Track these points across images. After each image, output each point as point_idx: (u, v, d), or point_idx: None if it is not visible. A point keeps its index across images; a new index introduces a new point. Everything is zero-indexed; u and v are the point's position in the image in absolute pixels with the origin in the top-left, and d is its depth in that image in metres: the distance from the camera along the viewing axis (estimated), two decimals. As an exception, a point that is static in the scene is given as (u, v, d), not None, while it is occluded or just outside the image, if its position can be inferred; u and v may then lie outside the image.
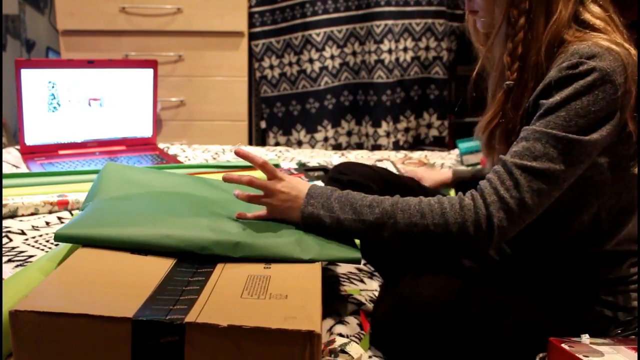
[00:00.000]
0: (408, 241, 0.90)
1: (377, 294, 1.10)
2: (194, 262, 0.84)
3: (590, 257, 0.96)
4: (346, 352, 0.86)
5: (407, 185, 1.24)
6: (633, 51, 0.87)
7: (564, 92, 0.84)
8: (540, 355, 0.93)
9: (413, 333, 0.89)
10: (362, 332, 0.96)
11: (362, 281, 1.14)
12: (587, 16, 0.90)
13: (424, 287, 0.90)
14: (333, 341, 0.89)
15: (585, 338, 0.87)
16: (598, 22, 0.89)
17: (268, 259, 0.87)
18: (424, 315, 0.88)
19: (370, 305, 1.04)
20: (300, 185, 0.96)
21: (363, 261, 1.22)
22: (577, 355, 0.81)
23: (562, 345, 0.84)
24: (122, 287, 0.74)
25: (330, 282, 1.11)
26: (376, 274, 1.19)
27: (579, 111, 0.83)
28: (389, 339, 0.92)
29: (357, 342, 0.92)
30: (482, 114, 1.02)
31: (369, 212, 0.91)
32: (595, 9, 0.91)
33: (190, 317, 0.67)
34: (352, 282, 1.13)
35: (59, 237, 0.86)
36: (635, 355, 0.83)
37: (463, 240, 0.87)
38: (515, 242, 0.95)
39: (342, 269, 1.19)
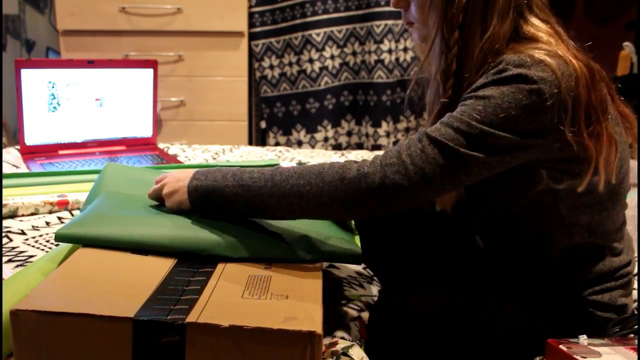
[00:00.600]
0: (296, 205, 0.84)
1: (376, 299, 1.10)
2: (195, 261, 0.84)
3: (563, 253, 0.94)
4: (348, 355, 0.86)
5: None
6: (575, 63, 0.82)
7: (486, 89, 0.80)
8: (538, 358, 0.93)
9: (405, 347, 0.89)
10: (362, 340, 0.96)
11: (361, 286, 1.14)
12: (528, 29, 0.86)
13: (414, 303, 0.90)
14: (336, 343, 0.88)
15: (583, 339, 0.87)
16: (540, 35, 0.85)
17: (268, 260, 0.87)
18: (414, 330, 0.88)
19: (368, 312, 1.04)
20: (187, 172, 0.94)
21: (362, 265, 1.22)
22: (574, 356, 0.81)
23: (560, 346, 0.84)
24: (123, 286, 0.74)
25: (331, 286, 1.11)
26: (375, 279, 1.19)
27: (497, 109, 0.79)
28: (381, 352, 0.91)
29: (359, 347, 0.92)
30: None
31: (248, 177, 0.86)
32: (537, 22, 0.87)
33: (191, 317, 0.67)
34: (352, 287, 1.13)
35: (60, 237, 0.86)
36: (634, 355, 0.83)
37: (356, 193, 0.81)
38: (488, 237, 0.96)
39: (342, 273, 1.19)
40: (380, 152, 0.87)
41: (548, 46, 0.83)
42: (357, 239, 1.07)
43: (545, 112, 0.79)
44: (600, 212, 0.91)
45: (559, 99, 0.79)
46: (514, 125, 0.79)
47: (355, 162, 0.84)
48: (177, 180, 0.93)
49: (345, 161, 0.84)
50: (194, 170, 0.93)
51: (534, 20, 0.87)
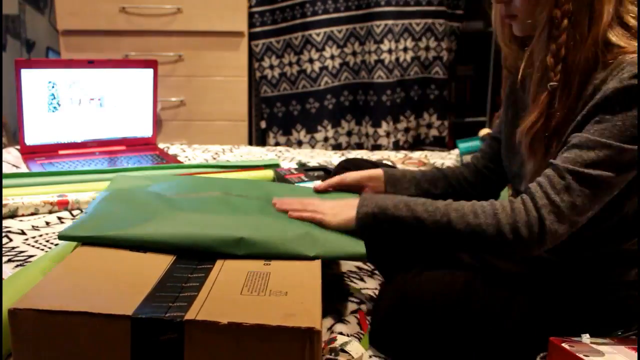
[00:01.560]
0: (460, 241, 0.90)
1: (377, 292, 1.10)
2: (194, 258, 0.84)
3: (609, 256, 0.95)
4: (346, 352, 0.86)
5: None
6: None
7: (623, 102, 0.84)
8: (541, 355, 0.92)
9: (414, 329, 0.89)
10: (362, 331, 0.96)
11: (362, 280, 1.14)
12: (628, 19, 0.89)
13: (426, 284, 0.91)
14: (334, 339, 0.88)
15: (586, 338, 0.87)
16: (633, 22, 0.89)
17: (272, 256, 0.86)
18: (425, 311, 0.89)
19: (370, 304, 1.04)
20: (350, 199, 1.00)
21: (364, 260, 1.22)
22: (577, 354, 0.81)
23: (563, 344, 0.84)
24: (121, 284, 0.74)
25: (331, 281, 1.11)
26: (376, 272, 1.19)
27: (634, 121, 0.83)
28: (390, 336, 0.92)
29: (358, 341, 0.92)
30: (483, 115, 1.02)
31: (422, 209, 0.92)
32: (632, 7, 0.90)
33: (189, 315, 0.67)
34: (352, 281, 1.13)
35: (64, 238, 0.86)
36: (636, 355, 0.83)
37: (515, 242, 0.87)
38: None
39: (343, 267, 1.19)
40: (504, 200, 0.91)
41: None
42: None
43: None
44: None
45: None
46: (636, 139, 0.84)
47: (512, 210, 0.88)
48: (331, 207, 1.00)
49: (511, 209, 0.88)
50: (350, 202, 0.98)
51: (630, 7, 0.90)
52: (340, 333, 0.92)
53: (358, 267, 1.19)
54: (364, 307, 1.03)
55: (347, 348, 0.86)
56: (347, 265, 1.19)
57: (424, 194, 1.16)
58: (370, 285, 1.13)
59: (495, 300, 0.92)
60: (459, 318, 0.89)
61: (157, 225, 0.88)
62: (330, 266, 1.18)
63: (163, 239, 0.85)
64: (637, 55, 0.85)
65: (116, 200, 1.00)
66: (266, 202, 1.06)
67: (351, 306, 1.02)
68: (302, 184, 1.57)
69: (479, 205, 0.90)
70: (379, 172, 1.18)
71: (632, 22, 0.89)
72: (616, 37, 0.88)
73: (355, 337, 0.93)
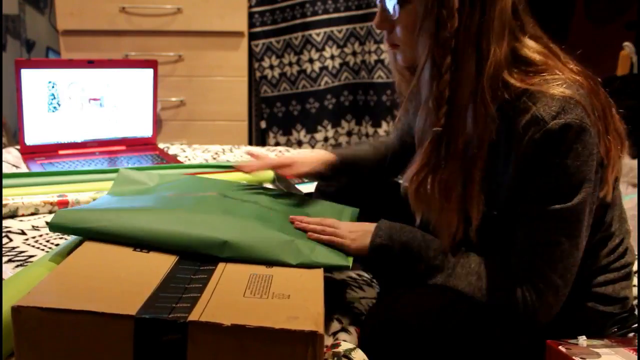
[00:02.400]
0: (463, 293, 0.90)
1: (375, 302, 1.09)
2: (197, 259, 0.84)
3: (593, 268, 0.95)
4: (350, 358, 0.86)
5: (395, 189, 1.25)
6: (581, 79, 0.83)
7: (546, 161, 0.81)
8: None
9: (396, 356, 0.87)
10: None
11: (361, 288, 1.14)
12: (525, 51, 0.84)
13: (403, 310, 0.87)
14: (338, 345, 0.88)
15: (582, 340, 0.87)
16: (537, 57, 0.84)
17: (255, 261, 0.85)
18: (405, 339, 0.86)
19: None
20: (367, 225, 0.98)
21: (362, 267, 1.22)
22: (574, 357, 0.81)
23: (560, 347, 0.84)
24: (125, 284, 0.74)
25: (331, 288, 1.11)
26: (375, 281, 1.19)
27: (567, 171, 0.81)
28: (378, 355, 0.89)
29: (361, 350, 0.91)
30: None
31: (432, 255, 0.91)
32: (531, 43, 0.85)
33: (193, 316, 0.67)
34: (351, 289, 1.13)
35: (53, 227, 0.88)
36: (634, 356, 0.83)
37: (517, 317, 0.87)
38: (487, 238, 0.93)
39: (342, 274, 1.18)
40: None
41: (550, 72, 0.82)
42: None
43: (594, 140, 0.81)
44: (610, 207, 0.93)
45: (593, 121, 0.81)
46: (586, 176, 0.81)
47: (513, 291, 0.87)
48: (350, 231, 0.97)
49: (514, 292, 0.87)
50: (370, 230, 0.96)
51: (528, 42, 0.85)
52: (345, 340, 0.92)
53: (358, 275, 1.19)
54: (363, 318, 1.02)
55: (351, 355, 0.86)
56: (345, 274, 1.19)
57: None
58: (369, 295, 1.12)
59: (477, 319, 0.89)
60: (443, 337, 0.87)
61: (142, 220, 0.88)
62: (328, 275, 1.17)
63: (146, 235, 0.85)
64: (541, 101, 0.80)
65: (114, 198, 1.01)
66: (262, 207, 1.06)
67: (352, 316, 1.01)
68: (302, 185, 1.57)
69: (482, 267, 0.89)
70: (330, 156, 1.18)
71: (532, 55, 0.84)
72: (513, 77, 0.82)
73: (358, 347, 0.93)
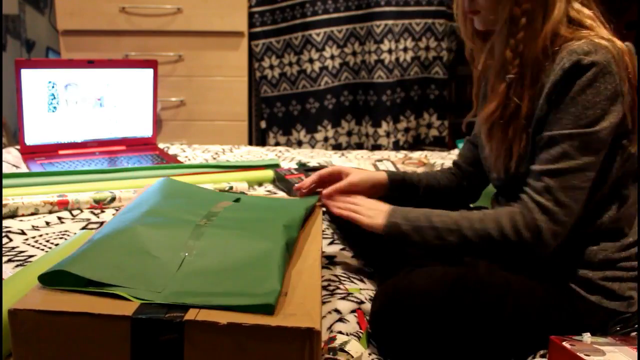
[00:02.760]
0: (472, 246, 0.98)
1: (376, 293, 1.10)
2: None
3: (590, 234, 0.99)
4: (346, 351, 0.86)
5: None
6: (618, 43, 0.94)
7: (569, 90, 0.91)
8: (541, 352, 0.93)
9: (410, 325, 0.90)
10: (361, 330, 0.96)
11: (362, 280, 1.14)
12: (574, 14, 0.97)
13: (419, 279, 0.92)
14: (334, 339, 0.88)
15: (587, 337, 0.87)
16: (585, 20, 0.96)
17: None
18: (419, 307, 0.89)
19: (369, 304, 1.04)
20: (383, 205, 1.08)
21: (362, 262, 1.23)
22: (578, 354, 0.81)
23: (564, 343, 0.84)
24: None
25: (330, 281, 1.11)
26: (376, 274, 1.19)
27: (586, 104, 0.90)
28: (386, 333, 0.92)
29: (357, 341, 0.92)
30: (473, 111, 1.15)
31: (438, 219, 1.00)
32: (581, 7, 0.98)
33: (189, 315, 0.67)
34: (352, 281, 1.13)
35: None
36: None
37: (520, 243, 0.94)
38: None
39: (342, 268, 1.19)
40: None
41: (594, 31, 0.94)
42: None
43: (617, 88, 0.91)
44: (628, 190, 1.00)
45: (620, 75, 0.91)
46: (602, 113, 0.91)
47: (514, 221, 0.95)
48: (369, 209, 1.08)
49: (513, 220, 0.95)
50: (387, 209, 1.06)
51: (578, 6, 0.98)
52: (340, 332, 0.92)
53: (357, 269, 1.20)
54: (363, 306, 1.03)
55: (347, 348, 0.86)
56: (346, 267, 1.19)
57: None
58: (370, 286, 1.13)
59: (489, 292, 0.93)
60: (452, 312, 0.89)
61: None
62: (328, 267, 1.18)
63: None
64: (577, 42, 0.92)
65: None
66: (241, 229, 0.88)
67: (350, 306, 1.02)
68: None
69: (484, 212, 0.99)
70: (383, 177, 1.22)
71: (581, 18, 0.96)
72: (563, 29, 0.95)
73: (355, 336, 0.93)
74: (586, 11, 0.98)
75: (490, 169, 1.09)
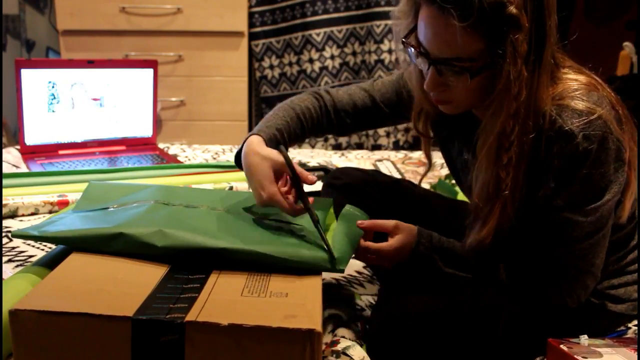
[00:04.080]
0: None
1: (376, 298, 1.10)
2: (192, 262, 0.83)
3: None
4: (348, 355, 0.86)
5: (405, 189, 1.24)
6: (606, 90, 0.87)
7: (575, 174, 0.84)
8: (539, 358, 0.93)
9: (404, 348, 0.89)
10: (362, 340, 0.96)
11: (361, 285, 1.14)
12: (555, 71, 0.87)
13: (412, 305, 0.90)
14: (337, 342, 0.88)
15: (584, 339, 0.87)
16: (570, 81, 0.87)
17: (190, 249, 0.81)
18: (413, 333, 0.88)
19: (369, 311, 1.04)
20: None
21: (363, 265, 1.22)
22: (575, 356, 0.81)
23: (561, 346, 0.84)
24: (122, 286, 0.74)
25: (331, 285, 1.11)
26: (375, 277, 1.19)
27: (596, 180, 0.84)
28: (382, 354, 0.91)
29: (360, 347, 0.92)
30: None
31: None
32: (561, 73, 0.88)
33: (190, 316, 0.67)
34: (352, 286, 1.13)
35: (15, 235, 0.88)
36: (635, 355, 0.83)
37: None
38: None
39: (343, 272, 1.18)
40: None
41: (585, 86, 0.85)
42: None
43: (621, 147, 0.85)
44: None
45: (621, 127, 0.85)
46: (611, 179, 0.85)
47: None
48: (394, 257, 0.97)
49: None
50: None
51: (560, 74, 0.88)
52: (343, 337, 0.92)
53: (358, 272, 1.19)
54: (364, 313, 1.02)
55: (350, 352, 0.86)
56: (346, 270, 1.19)
57: None
58: (370, 291, 1.12)
59: (483, 310, 0.91)
60: (447, 331, 0.89)
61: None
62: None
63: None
64: (566, 111, 0.83)
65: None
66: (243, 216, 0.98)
67: (352, 312, 1.01)
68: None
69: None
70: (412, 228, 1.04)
71: (563, 80, 0.87)
72: (548, 104, 0.84)
73: (358, 342, 0.93)
74: (563, 77, 0.87)
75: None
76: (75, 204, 1.02)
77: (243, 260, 0.82)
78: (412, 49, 0.88)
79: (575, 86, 0.86)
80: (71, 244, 0.86)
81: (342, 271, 0.85)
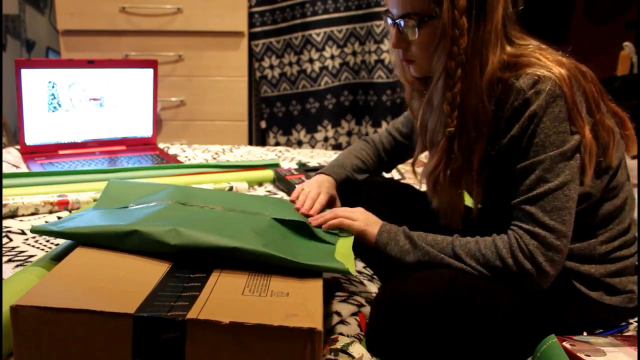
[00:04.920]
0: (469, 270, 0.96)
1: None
2: (194, 261, 0.83)
3: (586, 227, 1.00)
4: (348, 353, 0.86)
5: (404, 188, 1.27)
6: (565, 67, 0.93)
7: (528, 125, 0.92)
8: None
9: (406, 334, 0.89)
10: (362, 333, 0.96)
11: (362, 283, 1.14)
12: (512, 52, 0.97)
13: (413, 287, 0.91)
14: (336, 340, 0.88)
15: (588, 337, 0.87)
16: (522, 58, 0.95)
17: (203, 248, 0.82)
18: (414, 315, 0.88)
19: (369, 307, 1.04)
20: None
21: (363, 264, 1.22)
22: (578, 354, 0.81)
23: (564, 343, 0.84)
24: (123, 283, 0.74)
25: (331, 283, 1.11)
26: (376, 277, 1.19)
27: (546, 131, 0.91)
28: (382, 341, 0.91)
29: (359, 343, 0.92)
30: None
31: (432, 245, 0.98)
32: (513, 49, 0.97)
33: (191, 314, 0.67)
34: (352, 284, 1.13)
35: (35, 231, 0.91)
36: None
37: (520, 273, 0.92)
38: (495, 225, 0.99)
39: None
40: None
41: (533, 65, 0.93)
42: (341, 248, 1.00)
43: (569, 110, 0.92)
44: (618, 180, 1.01)
45: (572, 96, 0.92)
46: (564, 133, 0.91)
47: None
48: (365, 218, 1.06)
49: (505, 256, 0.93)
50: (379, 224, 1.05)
51: (510, 49, 0.97)
52: (341, 334, 0.92)
53: (358, 271, 1.19)
54: (364, 309, 1.02)
55: (349, 349, 0.86)
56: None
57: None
58: (370, 289, 1.12)
59: (484, 294, 0.92)
60: (448, 316, 0.89)
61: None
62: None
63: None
64: (521, 79, 0.92)
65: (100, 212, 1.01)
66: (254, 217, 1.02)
67: (351, 308, 1.02)
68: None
69: (476, 240, 0.96)
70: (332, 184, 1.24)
71: (512, 58, 0.95)
72: (505, 74, 0.94)
73: (356, 338, 0.93)
74: (521, 48, 0.97)
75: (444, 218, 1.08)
76: (96, 202, 1.06)
77: (252, 261, 0.83)
78: (387, 17, 1.02)
79: (538, 63, 0.94)
80: (87, 240, 0.88)
81: (352, 274, 0.90)
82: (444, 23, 0.92)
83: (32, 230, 0.91)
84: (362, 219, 1.05)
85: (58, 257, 0.93)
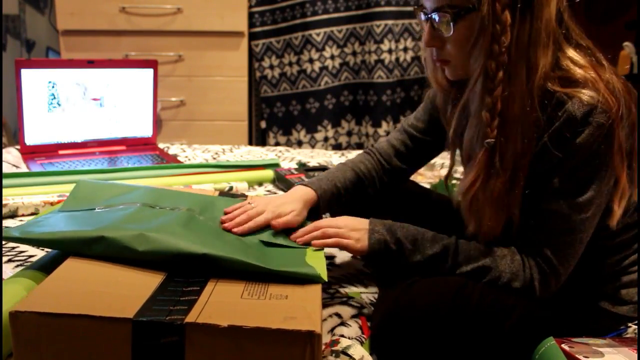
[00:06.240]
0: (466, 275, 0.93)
1: (376, 297, 1.10)
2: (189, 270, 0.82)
3: (599, 248, 0.96)
4: (348, 355, 0.86)
5: (407, 190, 1.26)
6: (617, 83, 0.85)
7: (568, 156, 0.84)
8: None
9: (412, 341, 0.88)
10: (364, 335, 0.96)
11: (362, 283, 1.14)
12: (567, 63, 0.86)
13: (418, 292, 0.90)
14: (336, 342, 0.88)
15: (586, 339, 0.87)
16: (578, 72, 0.85)
17: (171, 254, 0.80)
18: (420, 324, 0.88)
19: (370, 309, 1.04)
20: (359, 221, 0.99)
21: (362, 263, 1.23)
22: (577, 356, 0.81)
23: (562, 345, 0.84)
24: (122, 288, 0.74)
25: (331, 284, 1.11)
26: (375, 277, 1.19)
27: (583, 173, 0.85)
28: (388, 348, 0.91)
29: (360, 345, 0.92)
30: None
31: (429, 246, 0.94)
32: (574, 54, 0.87)
33: (190, 318, 0.67)
34: (352, 285, 1.13)
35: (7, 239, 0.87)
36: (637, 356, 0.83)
37: (518, 289, 0.91)
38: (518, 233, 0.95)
39: (342, 270, 1.19)
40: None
41: (591, 83, 0.84)
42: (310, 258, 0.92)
43: (613, 154, 0.84)
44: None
45: (622, 120, 0.84)
46: (601, 171, 0.85)
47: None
48: (352, 228, 0.97)
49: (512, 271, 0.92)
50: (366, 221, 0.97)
51: (571, 53, 0.87)
52: (342, 336, 0.92)
53: (358, 271, 1.20)
54: (365, 311, 1.03)
55: (350, 351, 0.86)
56: (347, 269, 1.19)
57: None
58: (370, 290, 1.12)
59: (491, 302, 0.91)
60: (454, 323, 0.88)
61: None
62: (328, 268, 1.18)
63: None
64: (576, 99, 0.83)
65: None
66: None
67: (351, 310, 1.02)
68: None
69: (479, 250, 0.93)
70: (312, 196, 1.06)
71: (574, 70, 0.85)
72: (556, 86, 0.85)
73: (357, 340, 0.93)
74: (579, 57, 0.86)
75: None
76: (63, 203, 1.02)
77: (225, 267, 0.81)
78: (420, 13, 0.92)
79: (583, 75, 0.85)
80: (52, 246, 0.86)
81: (323, 280, 0.83)
82: (483, 17, 0.81)
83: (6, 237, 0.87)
84: (355, 237, 0.96)
85: (54, 262, 0.91)
